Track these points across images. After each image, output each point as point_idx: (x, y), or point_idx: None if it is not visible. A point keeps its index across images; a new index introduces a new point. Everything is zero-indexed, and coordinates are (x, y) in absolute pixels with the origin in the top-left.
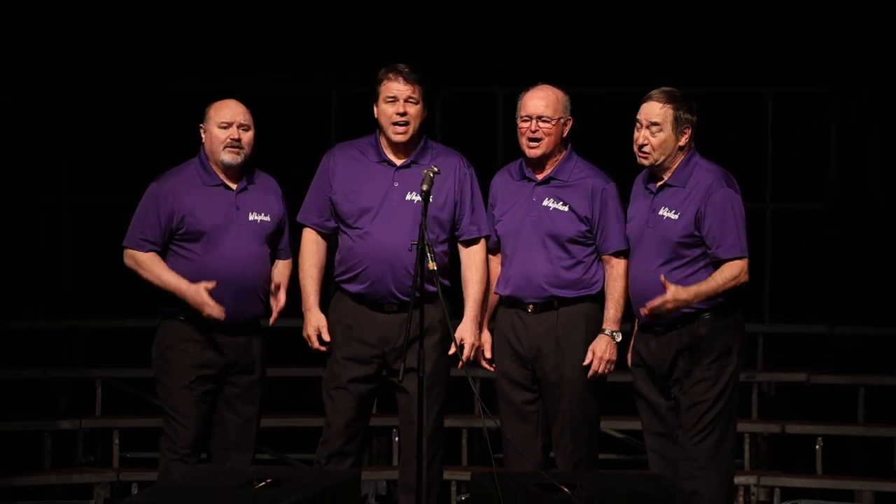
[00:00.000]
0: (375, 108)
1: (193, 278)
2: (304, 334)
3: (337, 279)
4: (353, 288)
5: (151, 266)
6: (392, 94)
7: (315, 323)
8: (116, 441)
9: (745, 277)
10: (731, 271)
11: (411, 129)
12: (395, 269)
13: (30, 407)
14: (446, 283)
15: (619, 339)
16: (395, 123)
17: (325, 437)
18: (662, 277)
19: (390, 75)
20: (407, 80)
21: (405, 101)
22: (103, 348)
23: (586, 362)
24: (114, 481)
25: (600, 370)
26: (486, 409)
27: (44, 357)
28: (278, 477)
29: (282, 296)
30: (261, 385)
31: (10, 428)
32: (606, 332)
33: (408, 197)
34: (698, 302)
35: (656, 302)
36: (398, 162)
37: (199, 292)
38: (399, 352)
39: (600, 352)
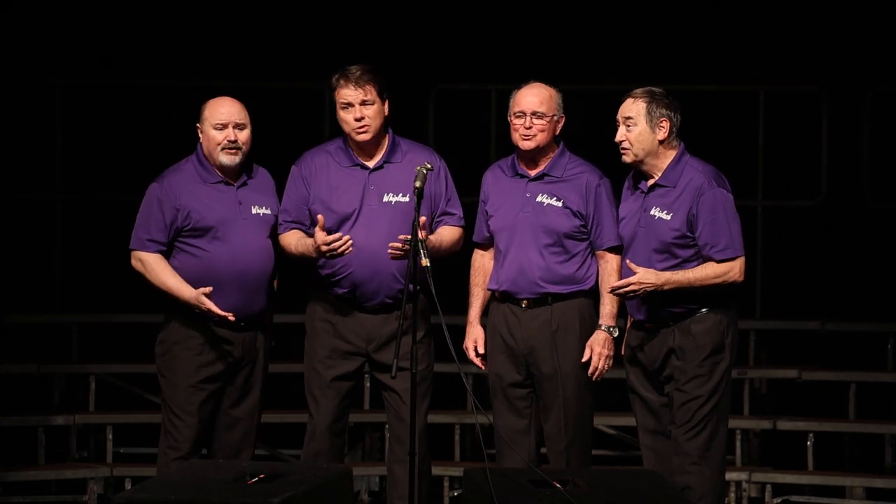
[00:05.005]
0: (337, 114)
1: (202, 274)
2: (318, 246)
3: (316, 281)
4: (335, 290)
5: (157, 268)
6: (346, 101)
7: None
8: (110, 436)
9: (736, 276)
10: (717, 269)
11: (371, 129)
12: (380, 272)
13: (24, 402)
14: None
15: (615, 334)
16: (356, 129)
17: (310, 435)
18: (628, 261)
19: (341, 81)
20: (357, 85)
21: (360, 105)
22: (97, 344)
23: (585, 358)
24: (107, 476)
25: (599, 366)
26: (479, 405)
27: (38, 352)
28: (272, 472)
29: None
30: (263, 380)
31: (4, 423)
32: (603, 328)
33: (385, 199)
34: (691, 301)
35: (620, 283)
36: (370, 164)
37: (198, 299)
38: (384, 347)
39: (598, 347)
